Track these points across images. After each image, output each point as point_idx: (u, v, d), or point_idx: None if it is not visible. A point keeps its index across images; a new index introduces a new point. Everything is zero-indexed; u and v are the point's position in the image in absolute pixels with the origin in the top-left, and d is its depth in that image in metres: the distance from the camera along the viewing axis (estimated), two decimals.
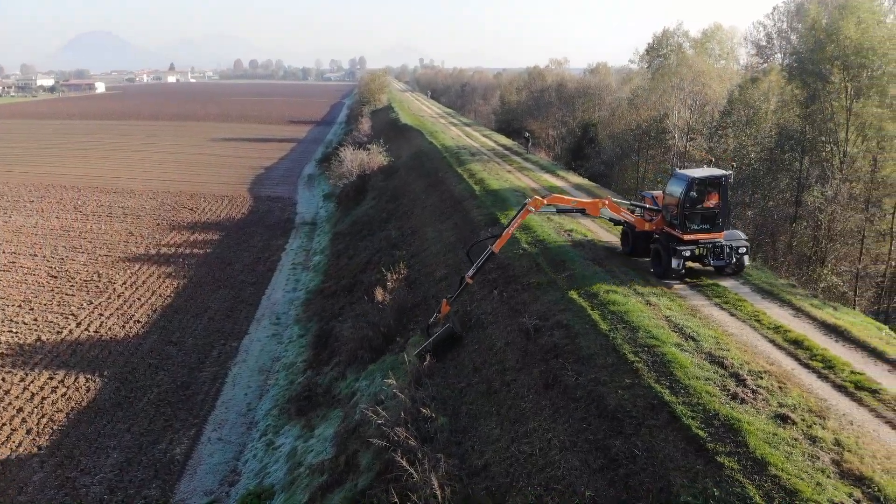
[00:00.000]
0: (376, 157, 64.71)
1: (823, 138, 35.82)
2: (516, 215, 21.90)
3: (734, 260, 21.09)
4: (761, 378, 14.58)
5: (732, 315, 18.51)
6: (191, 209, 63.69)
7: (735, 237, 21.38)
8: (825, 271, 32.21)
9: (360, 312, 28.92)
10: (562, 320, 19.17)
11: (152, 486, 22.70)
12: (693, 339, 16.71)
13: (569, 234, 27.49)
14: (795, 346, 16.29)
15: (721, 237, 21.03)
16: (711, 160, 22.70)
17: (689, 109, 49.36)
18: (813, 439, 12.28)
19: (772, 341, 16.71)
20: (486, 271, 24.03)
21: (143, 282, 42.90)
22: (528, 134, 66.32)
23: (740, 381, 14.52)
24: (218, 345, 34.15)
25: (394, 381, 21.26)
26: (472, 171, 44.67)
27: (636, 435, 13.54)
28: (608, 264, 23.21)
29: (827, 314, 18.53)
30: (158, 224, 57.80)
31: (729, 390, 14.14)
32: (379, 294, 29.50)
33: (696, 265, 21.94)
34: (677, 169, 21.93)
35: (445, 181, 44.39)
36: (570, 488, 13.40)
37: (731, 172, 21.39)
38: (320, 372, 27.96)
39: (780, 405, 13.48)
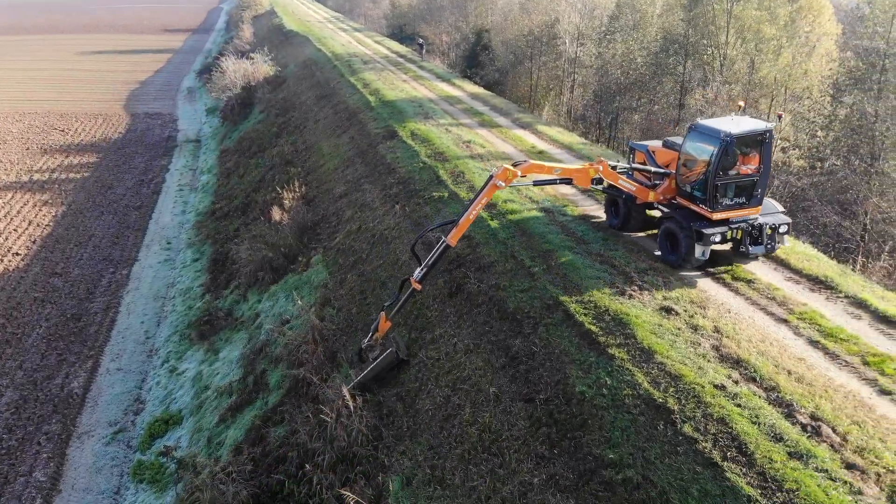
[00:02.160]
0: (261, 66, 61.31)
1: (705, 41, 37.27)
2: (479, 193, 15.53)
3: (776, 244, 15.81)
4: (647, 275, 15.66)
5: None
6: (62, 130, 58.69)
7: (772, 210, 16.21)
8: None
9: (258, 233, 28.23)
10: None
11: (52, 421, 21.96)
12: (584, 241, 17.56)
13: (467, 146, 27.60)
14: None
15: (758, 213, 15.80)
16: (741, 106, 16.84)
17: (578, 14, 49.59)
18: (695, 328, 13.46)
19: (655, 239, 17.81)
20: (425, 243, 17.94)
21: (18, 211, 39.75)
22: (421, 40, 64.71)
23: (628, 278, 15.53)
24: (107, 274, 32.58)
25: (300, 302, 21.22)
26: (367, 81, 43.40)
27: (534, 334, 14.35)
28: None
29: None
30: (28, 148, 53.05)
31: (618, 287, 15.13)
32: (276, 213, 28.83)
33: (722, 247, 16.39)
34: (700, 120, 16.20)
35: (338, 92, 42.96)
36: (475, 387, 14.15)
37: (774, 125, 15.88)
38: (220, 295, 27.41)
39: (665, 298, 14.60)
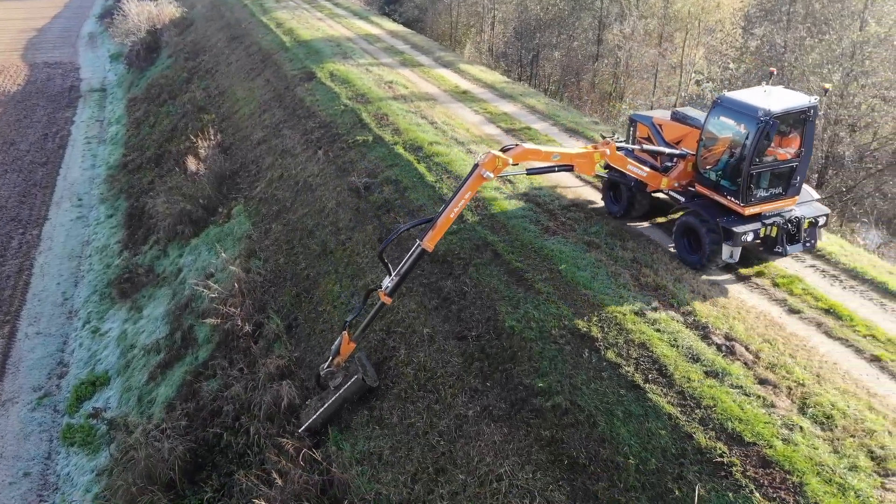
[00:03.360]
0: (166, 8, 57.74)
1: None
2: (461, 186, 12.46)
3: (814, 241, 13.56)
4: (570, 211, 16.05)
5: None
6: None
7: (806, 198, 13.67)
8: (624, 106, 34.95)
9: (174, 185, 27.15)
10: (390, 176, 19.40)
11: None
12: (510, 182, 17.76)
13: (390, 87, 27.08)
14: (598, 178, 17.86)
15: (794, 204, 13.41)
16: (773, 72, 14.34)
17: None
18: (615, 259, 13.98)
19: (578, 176, 18.19)
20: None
21: None
22: None
23: (553, 215, 15.89)
24: (16, 235, 30.81)
25: (224, 254, 20.74)
26: (280, 21, 41.57)
27: (465, 274, 14.60)
28: (429, 115, 23.41)
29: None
30: None
31: (543, 224, 15.47)
32: (192, 164, 27.72)
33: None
34: (726, 93, 13.15)
35: (250, 33, 41.05)
36: (409, 329, 14.36)
37: (817, 100, 12.77)
38: (138, 252, 26.44)
39: (586, 233, 15.05)
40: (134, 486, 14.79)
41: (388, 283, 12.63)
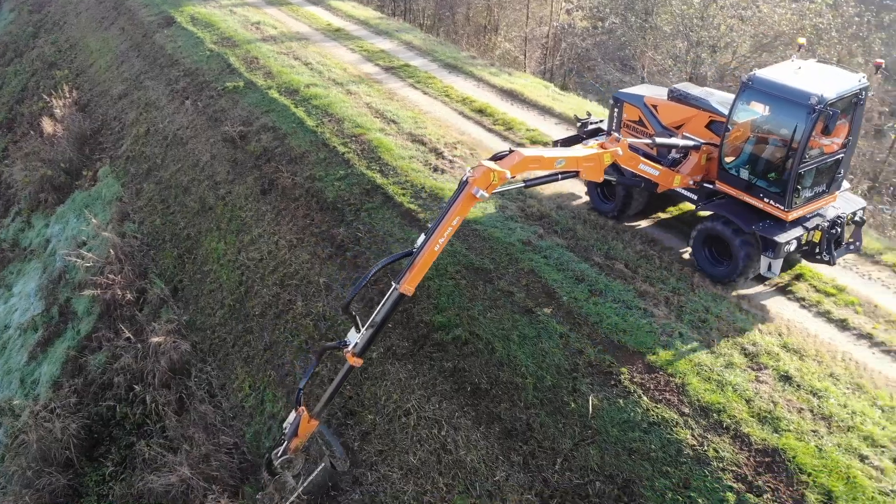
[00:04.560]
0: None
1: None
2: (448, 209, 9.43)
3: (859, 242, 11.47)
4: (456, 149, 16.18)
5: (425, 94, 19.64)
6: None
7: (842, 190, 11.67)
8: (499, 39, 35.09)
9: (31, 151, 24.95)
10: (267, 123, 18.67)
11: None
12: (394, 122, 17.59)
13: (257, 28, 25.72)
14: (481, 115, 18.07)
15: (834, 201, 11.48)
16: (803, 44, 11.74)
17: None
18: (501, 194, 14.24)
19: (461, 113, 18.29)
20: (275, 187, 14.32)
21: None
22: None
23: (439, 154, 15.96)
24: None
25: (94, 220, 19.45)
26: None
27: (357, 220, 14.49)
28: (303, 56, 22.54)
29: (504, 80, 20.59)
30: None
31: (431, 164, 15.52)
32: (48, 126, 25.46)
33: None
34: (756, 72, 10.82)
35: None
36: (304, 280, 14.19)
37: (866, 78, 10.70)
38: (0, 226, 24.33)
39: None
40: (29, 470, 14.09)
41: (356, 338, 9.77)
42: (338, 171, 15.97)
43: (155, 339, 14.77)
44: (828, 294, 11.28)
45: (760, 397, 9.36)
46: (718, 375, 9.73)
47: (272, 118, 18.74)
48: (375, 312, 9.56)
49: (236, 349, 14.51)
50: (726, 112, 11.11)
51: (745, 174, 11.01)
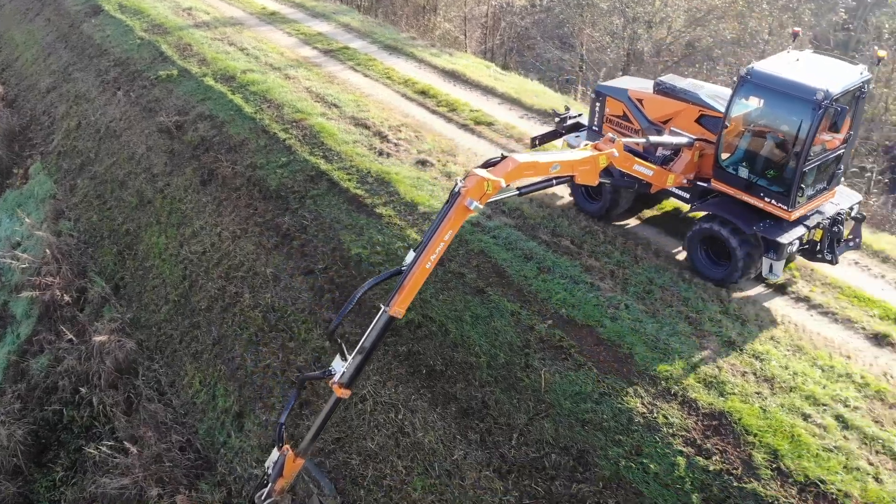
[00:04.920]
0: None
1: None
2: (437, 223, 8.58)
3: (858, 238, 11.33)
4: (400, 131, 16.07)
5: (366, 76, 19.41)
6: None
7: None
8: (438, 19, 34.86)
9: None
10: (204, 111, 18.16)
11: None
12: (336, 106, 17.34)
13: (189, 14, 24.90)
14: (423, 96, 17.97)
15: (833, 197, 11.23)
16: (797, 33, 11.71)
17: None
18: (448, 174, 14.30)
19: (403, 95, 18.15)
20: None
21: None
22: None
23: (383, 137, 15.82)
24: None
25: (28, 220, 18.68)
26: None
27: (303, 207, 14.28)
28: (238, 41, 21.96)
29: (445, 61, 20.51)
30: None
31: (375, 148, 15.38)
32: None
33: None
34: (754, 65, 10.34)
35: None
36: (250, 272, 13.95)
37: (867, 69, 10.49)
38: None
39: (419, 152, 15.20)
40: None
41: (342, 367, 8.92)
42: (280, 158, 15.68)
43: (98, 339, 14.35)
44: None
45: (705, 363, 9.68)
46: (664, 344, 10.01)
47: (209, 106, 18.24)
48: (364, 338, 8.78)
49: (184, 345, 14.20)
50: (717, 106, 10.82)
51: (744, 172, 10.55)
